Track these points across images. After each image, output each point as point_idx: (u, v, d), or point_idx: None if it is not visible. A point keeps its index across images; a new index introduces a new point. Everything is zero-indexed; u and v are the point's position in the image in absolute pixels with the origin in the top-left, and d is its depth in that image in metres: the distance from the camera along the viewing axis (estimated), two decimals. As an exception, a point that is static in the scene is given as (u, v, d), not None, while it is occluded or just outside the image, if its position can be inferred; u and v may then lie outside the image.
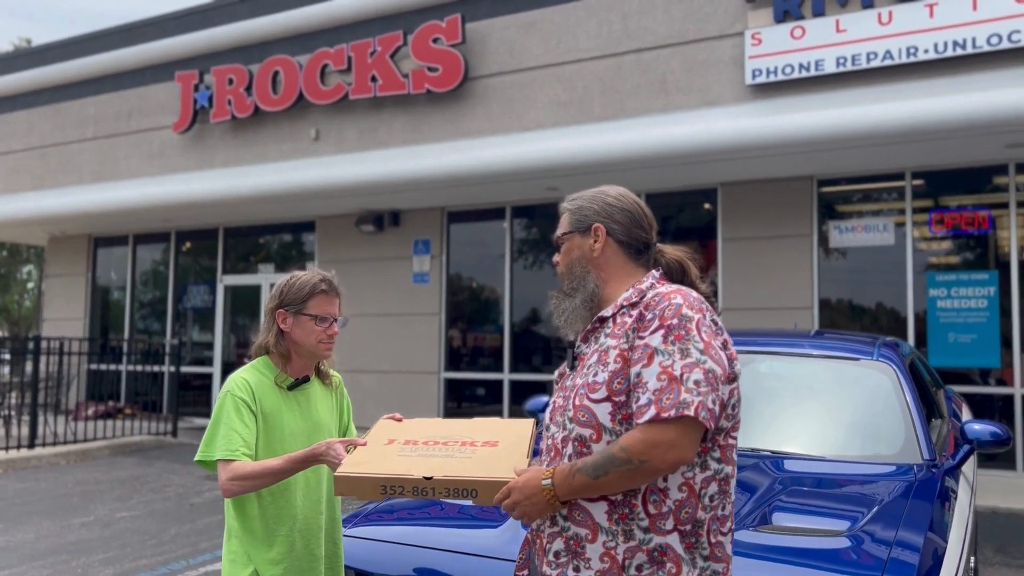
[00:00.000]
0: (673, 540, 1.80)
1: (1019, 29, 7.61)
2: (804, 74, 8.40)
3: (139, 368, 12.98)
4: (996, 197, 8.71)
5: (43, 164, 14.33)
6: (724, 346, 1.86)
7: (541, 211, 10.95)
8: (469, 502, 2.05)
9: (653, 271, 2.02)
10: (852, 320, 9.33)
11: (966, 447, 3.62)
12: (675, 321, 1.80)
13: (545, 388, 10.80)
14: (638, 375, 1.80)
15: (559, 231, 2.09)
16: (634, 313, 1.90)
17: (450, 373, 11.34)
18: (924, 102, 7.58)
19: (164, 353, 12.85)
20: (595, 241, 2.02)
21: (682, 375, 1.74)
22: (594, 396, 1.86)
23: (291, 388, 2.47)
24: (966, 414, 5.22)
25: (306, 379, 2.53)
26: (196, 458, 2.38)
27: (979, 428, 3.66)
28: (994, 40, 7.68)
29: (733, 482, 1.90)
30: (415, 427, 2.37)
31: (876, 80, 8.22)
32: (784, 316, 9.16)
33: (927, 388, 4.36)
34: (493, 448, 2.20)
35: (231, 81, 11.97)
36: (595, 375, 1.88)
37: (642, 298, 1.93)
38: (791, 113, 8.18)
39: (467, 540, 2.83)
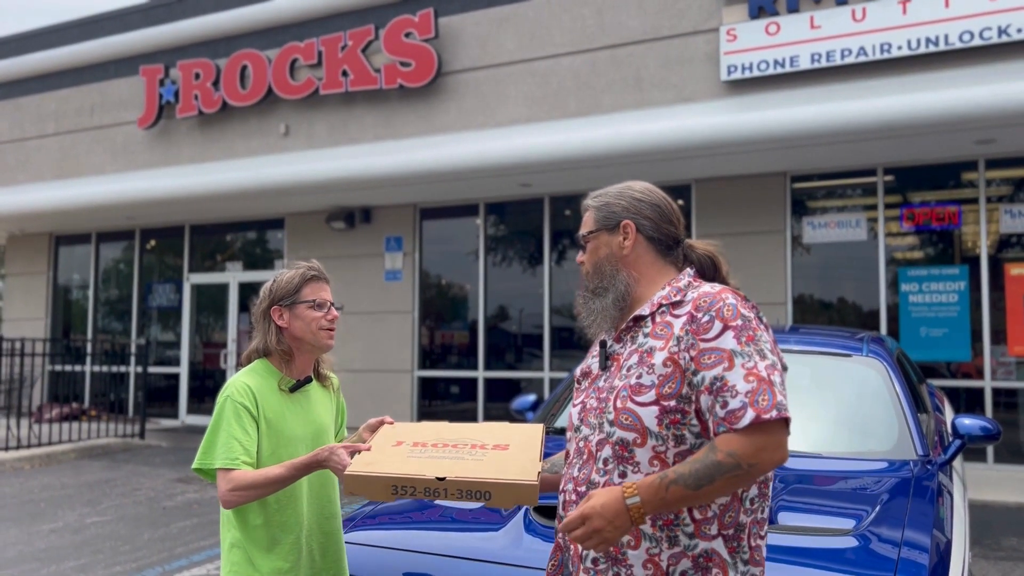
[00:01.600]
0: (718, 545, 1.77)
1: (991, 27, 7.71)
2: (779, 70, 8.44)
3: (103, 369, 12.68)
4: (965, 193, 8.83)
5: (1, 161, 13.94)
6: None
7: (515, 207, 10.89)
8: (480, 504, 2.00)
9: (688, 269, 1.98)
10: (825, 315, 9.40)
11: (957, 442, 3.63)
12: (740, 322, 1.76)
13: (519, 385, 10.76)
14: (720, 379, 1.73)
15: (584, 229, 2.03)
16: (679, 313, 1.84)
17: (424, 371, 11.25)
18: (897, 99, 7.64)
19: (130, 353, 12.57)
20: (624, 238, 1.97)
21: (769, 376, 1.70)
22: (640, 399, 1.80)
23: (293, 390, 2.38)
24: (948, 408, 5.27)
25: (308, 380, 2.44)
26: (194, 466, 2.27)
27: (969, 423, 3.67)
28: (966, 37, 7.77)
29: (771, 485, 1.87)
30: (423, 430, 2.33)
31: (850, 76, 8.28)
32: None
33: (913, 383, 4.37)
34: (504, 451, 2.16)
35: (198, 75, 11.73)
36: (639, 377, 1.82)
37: (683, 297, 1.88)
38: (766, 109, 8.21)
39: (465, 543, 2.75)
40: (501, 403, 10.76)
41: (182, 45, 12.13)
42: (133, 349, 12.60)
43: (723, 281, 2.00)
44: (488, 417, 10.78)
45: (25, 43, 13.86)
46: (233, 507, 2.23)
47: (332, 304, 2.42)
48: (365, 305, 11.46)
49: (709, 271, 2.02)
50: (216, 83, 11.59)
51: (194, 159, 11.94)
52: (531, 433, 2.25)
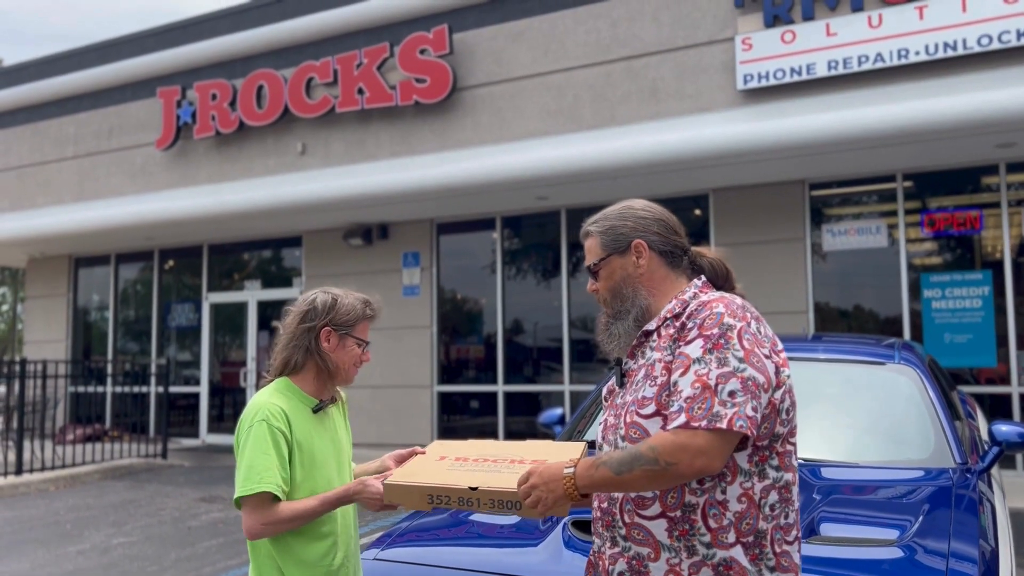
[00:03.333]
0: (737, 553, 1.77)
1: (1009, 30, 7.67)
2: (796, 78, 8.42)
3: (124, 389, 12.73)
4: (987, 197, 8.77)
5: (21, 184, 14.09)
6: (772, 352, 1.83)
7: (531, 220, 10.90)
8: (514, 516, 2.01)
9: (696, 279, 2.00)
10: (847, 323, 9.34)
11: (995, 449, 3.58)
12: (715, 331, 1.78)
13: (539, 399, 10.73)
14: (674, 384, 1.79)
15: (592, 258, 2.04)
16: (678, 324, 1.88)
17: (443, 386, 11.23)
18: (916, 104, 7.61)
19: (150, 374, 12.63)
20: (638, 258, 1.99)
21: (716, 385, 1.71)
22: (644, 412, 1.83)
23: (317, 410, 2.35)
24: (980, 415, 5.21)
25: (333, 400, 2.43)
26: (239, 494, 2.17)
27: (1007, 429, 3.62)
28: (984, 41, 7.73)
29: (795, 489, 1.86)
30: (468, 447, 2.37)
31: (868, 83, 8.25)
32: (779, 321, 9.14)
33: (945, 390, 4.33)
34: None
35: (215, 96, 11.83)
36: (643, 391, 1.86)
37: (685, 308, 1.91)
38: (783, 117, 8.19)
39: (503, 559, 2.73)
40: (521, 417, 10.73)
41: (198, 67, 12.24)
42: (153, 369, 12.65)
43: (731, 288, 2.04)
44: (508, 431, 10.75)
45: (44, 68, 14.03)
46: (258, 539, 2.19)
47: (368, 343, 2.43)
48: (383, 321, 11.41)
49: (722, 277, 2.05)
50: (233, 103, 11.68)
51: (212, 179, 12.02)
52: (572, 451, 2.26)
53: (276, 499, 2.17)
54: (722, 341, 1.76)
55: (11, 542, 6.95)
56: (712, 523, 1.77)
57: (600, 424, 2.02)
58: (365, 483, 2.17)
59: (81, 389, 13.47)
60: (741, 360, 1.74)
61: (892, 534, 2.60)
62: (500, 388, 10.89)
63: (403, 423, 11.16)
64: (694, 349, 1.77)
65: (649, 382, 1.85)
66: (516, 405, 10.84)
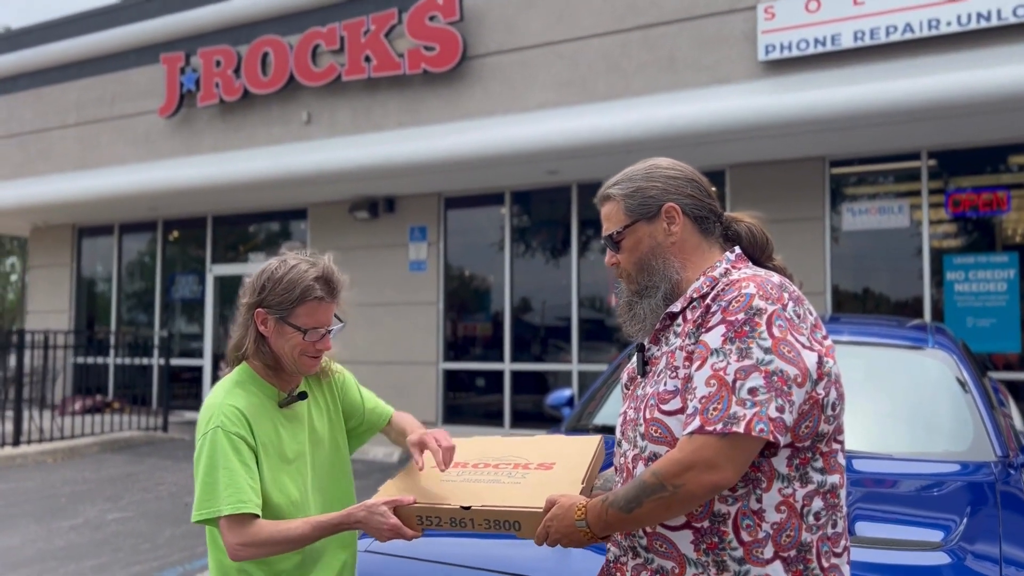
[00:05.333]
0: (775, 570, 1.53)
1: (1046, 0, 7.31)
2: (820, 49, 8.08)
3: (127, 361, 12.57)
4: (1016, 177, 8.44)
5: (23, 152, 13.85)
6: (813, 340, 1.56)
7: (541, 196, 10.61)
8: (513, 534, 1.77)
9: (728, 252, 1.73)
10: (865, 305, 9.05)
11: (1038, 442, 3.33)
12: (740, 316, 1.53)
13: (546, 378, 10.50)
14: (690, 379, 1.55)
15: (614, 225, 1.77)
16: (704, 306, 1.63)
17: (449, 364, 11.02)
18: (946, 77, 7.28)
19: (153, 345, 12.45)
20: (670, 224, 1.72)
21: (735, 381, 1.48)
22: (666, 407, 1.59)
23: (284, 405, 1.99)
24: (1012, 404, 4.94)
25: (303, 396, 2.03)
26: (195, 518, 1.85)
27: (1052, 421, 3.36)
28: (1020, 11, 7.37)
29: (843, 492, 1.62)
30: (470, 447, 2.11)
31: (896, 55, 7.91)
32: (797, 301, 8.89)
33: (979, 377, 4.07)
34: (547, 471, 1.93)
35: (219, 63, 11.54)
36: (665, 383, 1.62)
37: (713, 287, 1.65)
38: (806, 90, 7.87)
39: (504, 555, 2.49)
40: (528, 395, 10.51)
41: (203, 32, 11.94)
42: (156, 341, 12.47)
43: (768, 259, 1.77)
44: (515, 410, 10.54)
45: (46, 33, 13.75)
46: (240, 561, 1.87)
47: (329, 330, 1.97)
48: (389, 296, 11.25)
49: (760, 246, 1.77)
50: (237, 71, 11.40)
51: (216, 148, 11.76)
52: (584, 448, 2.00)
53: (254, 516, 1.85)
54: (747, 328, 1.51)
55: (3, 516, 6.78)
56: (746, 535, 1.53)
57: (620, 416, 1.78)
58: (371, 508, 1.82)
59: (84, 360, 13.32)
60: (767, 351, 1.49)
61: (936, 535, 2.36)
62: (507, 366, 10.66)
63: (408, 400, 10.95)
64: (714, 338, 1.53)
65: (670, 373, 1.61)
66: (523, 384, 10.62)
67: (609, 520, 1.57)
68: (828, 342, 1.60)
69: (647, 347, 1.75)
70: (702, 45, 8.77)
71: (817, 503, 1.55)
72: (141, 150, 12.51)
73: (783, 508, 1.53)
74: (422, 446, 2.03)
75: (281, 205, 12.18)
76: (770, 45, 8.31)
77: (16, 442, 9.61)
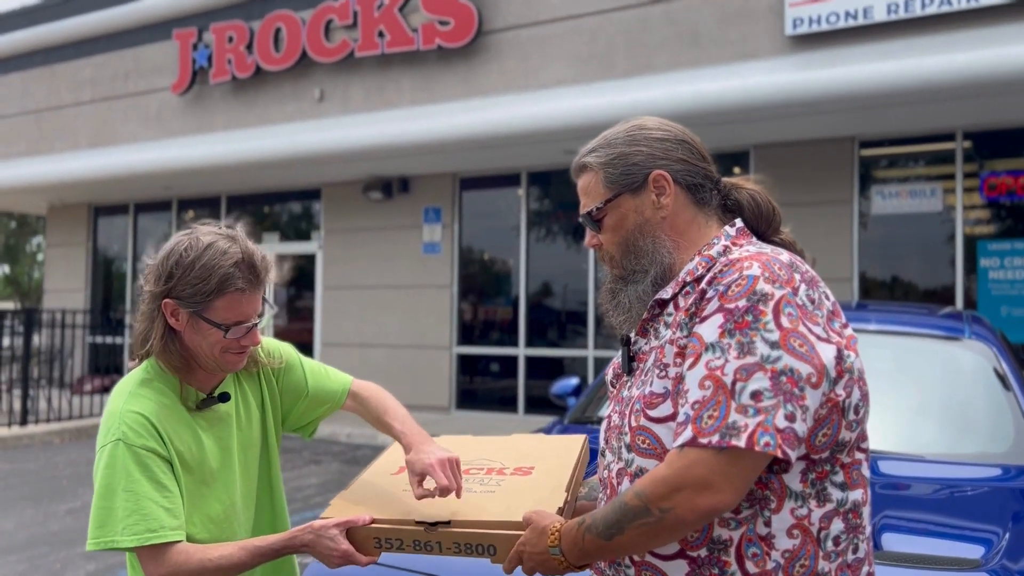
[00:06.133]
0: None
1: (1094, -30, 6.88)
2: (851, 23, 7.69)
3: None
4: (1056, 159, 8.03)
5: (38, 129, 13.75)
6: (830, 330, 1.28)
7: (558, 177, 10.32)
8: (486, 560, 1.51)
9: (727, 226, 1.45)
10: (894, 292, 8.69)
11: (1086, 443, 3.01)
12: (741, 303, 1.25)
13: (562, 364, 10.24)
14: (681, 379, 1.28)
15: (593, 201, 1.48)
16: (698, 291, 1.35)
17: (463, 348, 10.78)
18: (985, 52, 6.89)
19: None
20: (659, 195, 1.44)
21: (734, 383, 1.21)
22: (654, 413, 1.33)
23: (201, 407, 1.67)
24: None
25: (225, 397, 1.71)
26: (89, 547, 1.53)
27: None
28: (1066, -18, 6.95)
29: (866, 510, 1.34)
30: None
31: (932, 29, 7.49)
32: (822, 288, 8.55)
33: (1020, 371, 3.75)
34: (526, 477, 1.66)
35: (231, 39, 11.32)
36: (651, 383, 1.35)
37: (710, 268, 1.37)
38: (835, 66, 7.50)
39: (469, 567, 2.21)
40: (542, 381, 10.25)
41: (216, 7, 11.71)
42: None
43: (775, 232, 1.48)
44: (529, 396, 10.29)
45: (61, 8, 13.60)
46: None
47: (255, 322, 1.63)
48: (403, 278, 11.03)
49: (764, 219, 1.48)
50: (250, 47, 11.17)
51: (228, 126, 11.56)
52: (567, 449, 1.74)
53: (175, 542, 1.55)
54: (749, 318, 1.24)
55: (1, 498, 6.65)
56: (752, 567, 1.26)
57: (605, 420, 1.51)
58: (319, 530, 1.56)
59: (99, 339, 13.26)
60: (774, 345, 1.22)
61: (975, 551, 2.07)
62: (521, 351, 10.41)
63: (420, 385, 10.75)
64: (709, 329, 1.27)
65: (659, 372, 1.34)
66: (538, 369, 10.37)
67: (586, 548, 1.31)
68: (848, 332, 1.32)
69: (633, 340, 1.47)
70: (727, 19, 8.41)
71: (836, 525, 1.28)
72: (154, 128, 12.35)
73: (796, 532, 1.26)
74: (423, 477, 1.62)
75: (295, 185, 11.99)
76: (798, 19, 7.92)
77: (23, 421, 9.52)
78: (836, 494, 1.28)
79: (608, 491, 1.43)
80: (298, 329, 11.86)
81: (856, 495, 1.31)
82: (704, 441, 1.20)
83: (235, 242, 1.61)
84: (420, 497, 1.59)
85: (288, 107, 11.08)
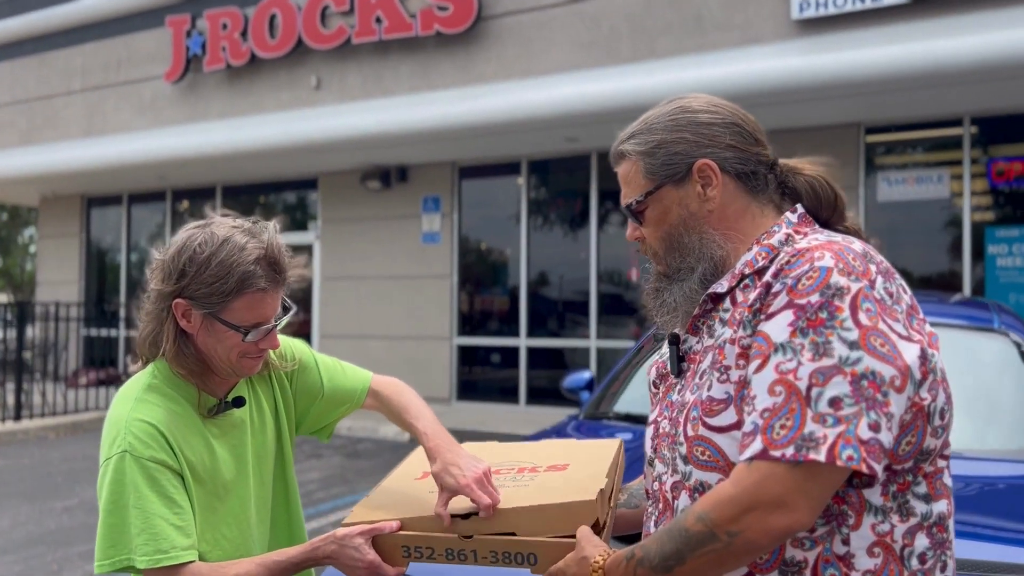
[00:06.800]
0: None
1: (1108, -50, 6.75)
2: (858, 6, 7.55)
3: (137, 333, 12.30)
4: (1066, 144, 7.92)
5: (29, 118, 13.55)
6: (909, 327, 1.15)
7: (559, 165, 10.18)
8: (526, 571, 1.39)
9: (789, 213, 1.31)
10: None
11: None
12: (814, 298, 1.12)
13: (563, 355, 10.13)
14: (746, 383, 1.15)
15: (633, 192, 1.35)
16: (761, 285, 1.21)
17: (463, 339, 10.66)
18: (996, 35, 6.78)
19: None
20: (705, 187, 1.31)
21: (810, 388, 1.09)
22: (714, 421, 1.20)
23: (213, 414, 1.54)
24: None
25: (240, 402, 1.58)
26: (97, 569, 1.43)
27: None
28: (1080, -37, 6.82)
29: (951, 522, 1.22)
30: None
31: (942, 11, 7.36)
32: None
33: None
34: (560, 472, 1.53)
35: (225, 26, 11.13)
36: (710, 387, 1.22)
37: (772, 259, 1.24)
38: (842, 50, 7.37)
39: None
40: (544, 372, 10.15)
41: (209, -6, 11.52)
42: (164, 313, 12.19)
43: (839, 220, 1.35)
44: (530, 387, 10.19)
45: (51, -4, 13.38)
46: None
47: (275, 324, 1.51)
48: (401, 269, 10.89)
49: (826, 205, 1.34)
50: (244, 34, 10.98)
51: (223, 115, 11.39)
52: (603, 448, 1.61)
53: (180, 565, 1.43)
54: (823, 315, 1.11)
55: (-4, 495, 6.52)
56: None
57: (650, 426, 1.38)
58: (343, 540, 1.43)
59: (94, 332, 13.10)
60: (853, 345, 1.09)
61: (1030, 557, 1.96)
62: (523, 342, 10.29)
63: (421, 376, 10.62)
64: (778, 328, 1.14)
65: (719, 375, 1.21)
66: (539, 360, 10.25)
67: None
68: (928, 328, 1.20)
69: (684, 338, 1.34)
70: (731, 3, 8.26)
71: (921, 541, 1.16)
72: (148, 117, 12.17)
73: (878, 551, 1.14)
74: (454, 494, 1.45)
75: (291, 175, 11.82)
76: (804, 2, 7.78)
77: (18, 416, 9.38)
78: (920, 507, 1.17)
79: (661, 505, 1.31)
80: (295, 321, 11.71)
81: (940, 506, 1.19)
82: (776, 454, 1.07)
83: (254, 236, 1.47)
84: (450, 515, 1.44)
85: (284, 95, 10.91)
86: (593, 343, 9.85)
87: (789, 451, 1.07)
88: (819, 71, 7.37)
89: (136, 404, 1.47)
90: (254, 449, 1.61)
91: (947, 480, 1.21)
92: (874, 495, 1.14)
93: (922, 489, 1.17)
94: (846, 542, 1.14)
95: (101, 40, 12.69)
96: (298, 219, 12.12)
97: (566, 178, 10.20)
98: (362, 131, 9.64)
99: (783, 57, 7.65)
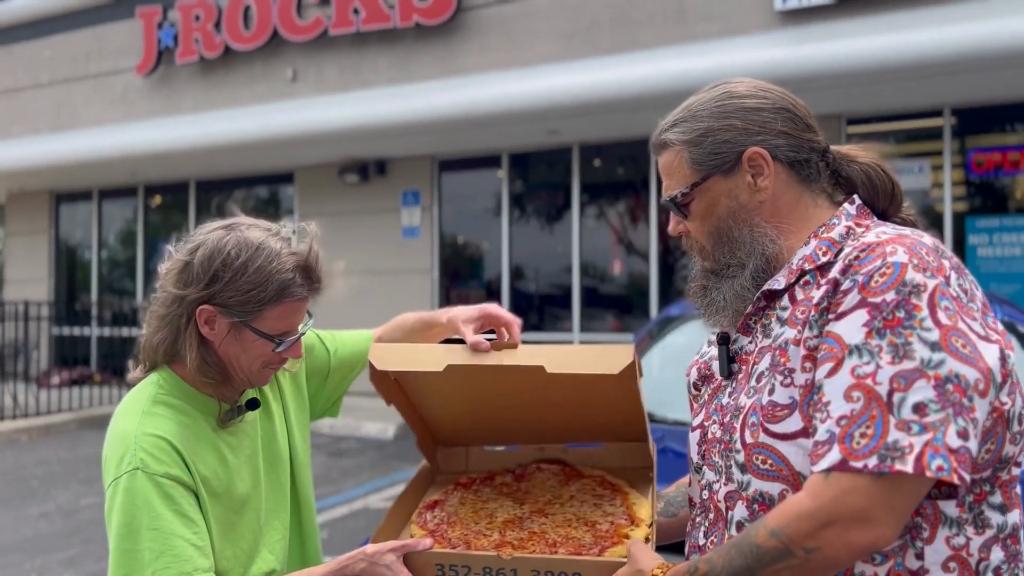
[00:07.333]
0: None
1: (1089, -59, 6.78)
2: (842, -3, 7.54)
3: (109, 332, 12.08)
4: (1045, 134, 7.98)
5: (-5, 113, 13.21)
6: (985, 326, 1.09)
7: (540, 158, 10.10)
8: None
9: (847, 204, 1.24)
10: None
11: None
12: (890, 296, 1.05)
13: (546, 348, 10.05)
14: (819, 387, 1.08)
15: (678, 185, 1.28)
16: (824, 281, 1.14)
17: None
18: (977, 26, 6.81)
19: (136, 315, 11.95)
20: (757, 175, 1.23)
21: (891, 394, 1.02)
22: (777, 428, 1.12)
23: (225, 424, 1.45)
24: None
25: (254, 404, 1.49)
26: None
27: None
28: (1061, -47, 6.85)
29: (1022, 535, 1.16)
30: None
31: (925, 1, 7.38)
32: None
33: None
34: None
35: (198, 17, 10.90)
36: (771, 391, 1.14)
37: (837, 254, 1.17)
38: (826, 41, 7.37)
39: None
40: (527, 367, 10.07)
41: (181, -15, 11.28)
42: (139, 311, 11.97)
43: (896, 211, 1.28)
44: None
45: (16, -13, 13.04)
46: None
47: (302, 332, 1.45)
48: (381, 264, 10.76)
49: (884, 195, 1.27)
50: (218, 25, 10.77)
51: (196, 108, 11.17)
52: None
53: None
54: (901, 314, 1.04)
55: (-31, 501, 6.33)
56: None
57: (695, 431, 1.31)
58: (374, 557, 1.33)
59: (66, 331, 12.83)
60: (935, 346, 1.02)
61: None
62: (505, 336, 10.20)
63: (401, 372, 10.51)
64: (851, 328, 1.07)
65: (782, 378, 1.13)
66: (521, 354, 10.17)
67: None
68: (1001, 328, 1.13)
69: (734, 338, 1.27)
70: (714, -6, 8.22)
71: (996, 555, 1.10)
72: (118, 111, 11.91)
73: (953, 566, 1.08)
74: (478, 318, 1.57)
75: (267, 169, 11.63)
76: (788, -7, 7.76)
77: (-11, 418, 9.14)
78: (995, 518, 1.11)
79: (712, 515, 1.24)
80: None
81: (1014, 517, 1.13)
82: (858, 465, 1.01)
83: (287, 242, 1.41)
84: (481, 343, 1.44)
85: (259, 88, 10.72)
86: (576, 336, 9.80)
87: (872, 461, 1.00)
88: (802, 62, 7.34)
89: (144, 417, 1.37)
90: (267, 456, 1.53)
91: (1019, 489, 1.15)
92: (949, 506, 1.08)
93: (997, 499, 1.11)
94: (920, 556, 1.07)
95: (69, 32, 12.40)
96: (274, 214, 11.94)
97: (547, 171, 10.12)
98: (340, 124, 9.48)
99: (766, 48, 7.63)
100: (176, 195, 12.72)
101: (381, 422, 8.97)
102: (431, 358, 1.43)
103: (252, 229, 1.40)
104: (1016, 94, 7.81)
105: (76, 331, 12.67)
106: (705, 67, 7.65)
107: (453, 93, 8.99)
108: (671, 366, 3.51)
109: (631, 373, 1.33)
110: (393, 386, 1.54)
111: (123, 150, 10.97)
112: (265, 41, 10.44)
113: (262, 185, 12.07)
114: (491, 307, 1.59)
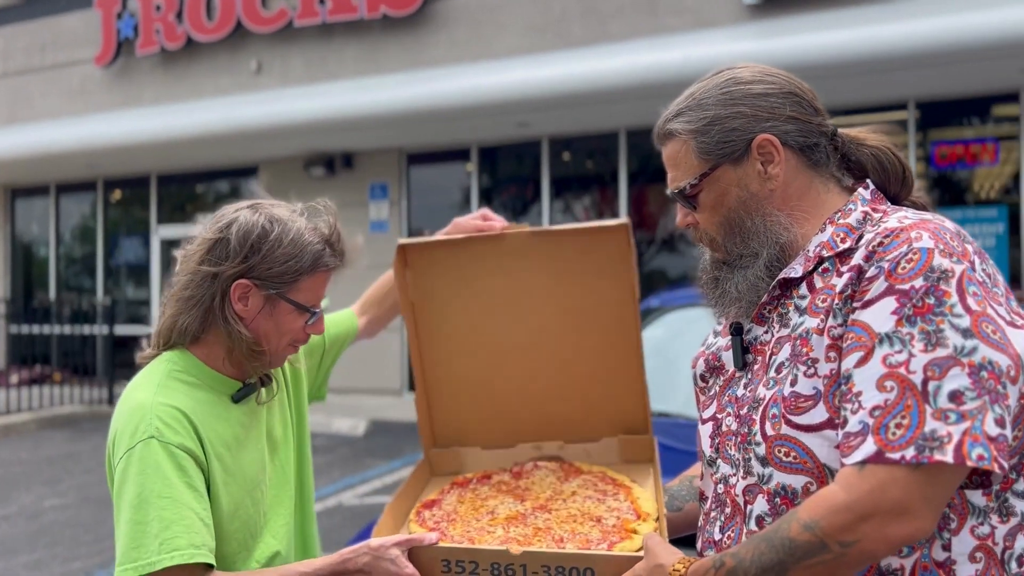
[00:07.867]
0: None
1: (1051, -64, 6.91)
2: (809, -10, 7.60)
3: (68, 330, 11.80)
4: (1005, 129, 8.14)
5: (-54, 105, 12.81)
6: (1010, 311, 1.08)
7: (510, 151, 10.07)
8: None
9: (861, 189, 1.22)
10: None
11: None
12: (919, 282, 1.03)
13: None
14: (847, 377, 1.06)
15: (686, 176, 1.25)
16: (846, 268, 1.12)
17: (414, 328, 10.48)
18: (940, 21, 6.94)
19: (96, 313, 11.69)
20: (767, 163, 1.21)
21: (926, 382, 1.00)
22: (801, 420, 1.10)
23: (240, 399, 1.45)
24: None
25: (267, 380, 1.48)
26: (119, 573, 1.27)
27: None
28: (1023, -51, 6.96)
29: None
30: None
31: (891, -5, 7.47)
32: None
33: None
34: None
35: (159, 8, 10.67)
36: (794, 382, 1.11)
37: (858, 239, 1.14)
38: (794, 35, 7.43)
39: None
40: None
41: (140, -26, 11.04)
42: (99, 308, 11.71)
43: (907, 194, 1.27)
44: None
45: (-33, -24, 12.66)
46: None
47: (324, 309, 1.51)
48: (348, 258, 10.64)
49: (895, 179, 1.26)
50: (180, 16, 10.55)
51: (157, 100, 10.94)
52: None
53: (207, 566, 1.31)
54: (931, 300, 1.02)
55: (-74, 505, 6.14)
56: None
57: (706, 423, 1.28)
58: (378, 551, 1.31)
59: (24, 329, 12.50)
60: (967, 333, 1.00)
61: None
62: (475, 330, 10.17)
63: (371, 369, 10.40)
64: (879, 316, 1.05)
65: (804, 368, 1.11)
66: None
67: None
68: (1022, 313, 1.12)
69: (748, 328, 1.25)
70: (683, -14, 8.24)
71: (1021, 543, 1.09)
72: (76, 103, 11.62)
73: (979, 555, 1.07)
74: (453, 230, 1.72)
75: (230, 162, 11.43)
76: (756, -14, 7.81)
77: (-55, 420, 8.88)
78: (1019, 505, 1.10)
79: (729, 508, 1.21)
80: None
81: None
82: (895, 456, 0.98)
83: (318, 216, 1.47)
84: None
85: (223, 80, 10.53)
86: (547, 330, 9.79)
87: (909, 452, 0.98)
88: (771, 55, 7.36)
89: (159, 389, 1.37)
90: (268, 441, 1.51)
91: None
92: (976, 495, 1.07)
93: (1021, 486, 1.10)
94: (947, 547, 1.06)
95: (23, 22, 12.07)
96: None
97: (517, 164, 10.09)
98: (305, 116, 9.35)
99: (736, 41, 7.68)
100: (137, 189, 12.47)
101: (352, 418, 8.89)
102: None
103: (277, 207, 1.44)
104: (977, 88, 7.95)
105: (35, 329, 12.36)
106: (675, 60, 7.68)
107: (421, 86, 8.91)
108: (651, 358, 3.51)
109: (624, 233, 1.49)
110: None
111: (81, 143, 10.73)
112: (229, 32, 10.25)
113: (226, 179, 11.86)
114: (459, 219, 1.71)
